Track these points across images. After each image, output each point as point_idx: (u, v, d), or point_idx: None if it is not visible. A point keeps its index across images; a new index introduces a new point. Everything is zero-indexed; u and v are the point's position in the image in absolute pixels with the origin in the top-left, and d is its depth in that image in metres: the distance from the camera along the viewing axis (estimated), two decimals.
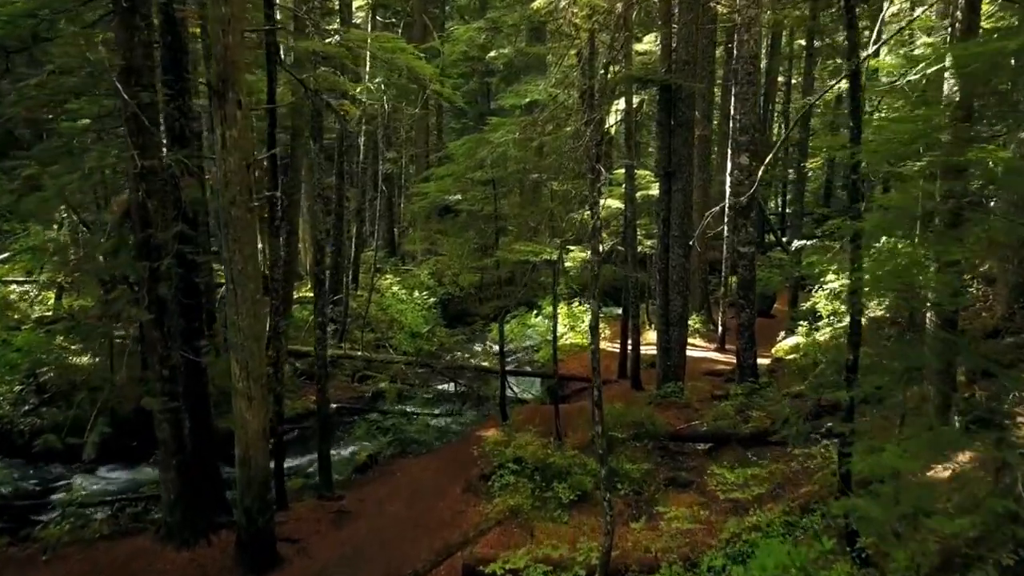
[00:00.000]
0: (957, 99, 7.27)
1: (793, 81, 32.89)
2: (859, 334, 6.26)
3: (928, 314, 7.87)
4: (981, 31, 7.75)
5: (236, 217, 7.57)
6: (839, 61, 26.00)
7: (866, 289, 6.31)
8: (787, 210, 33.25)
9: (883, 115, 10.74)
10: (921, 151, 6.45)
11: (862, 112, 5.69)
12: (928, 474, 7.62)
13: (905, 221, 6.13)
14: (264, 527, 8.32)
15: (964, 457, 7.63)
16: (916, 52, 14.90)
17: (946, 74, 7.42)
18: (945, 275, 6.22)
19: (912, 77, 7.32)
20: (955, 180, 6.14)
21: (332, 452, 11.54)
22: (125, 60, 7.39)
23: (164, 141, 8.58)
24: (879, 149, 5.36)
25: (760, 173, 9.65)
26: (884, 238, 10.77)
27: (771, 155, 12.05)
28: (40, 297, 16.73)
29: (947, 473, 7.60)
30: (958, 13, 7.60)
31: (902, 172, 8.43)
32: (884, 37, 11.57)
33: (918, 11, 12.76)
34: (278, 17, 14.17)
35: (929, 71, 8.19)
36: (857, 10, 7.59)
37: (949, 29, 8.21)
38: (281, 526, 9.02)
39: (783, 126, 34.09)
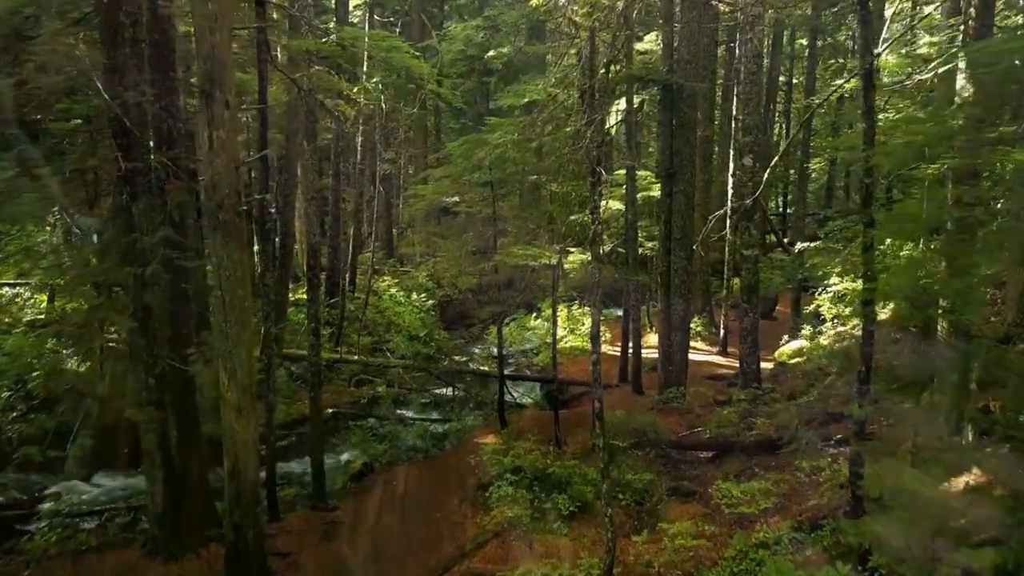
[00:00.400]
0: (971, 99, 7.02)
1: (794, 81, 32.63)
2: (872, 345, 6.00)
3: (940, 321, 7.62)
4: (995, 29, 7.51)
5: (224, 221, 7.30)
6: (841, 61, 25.74)
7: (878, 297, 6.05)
8: (788, 211, 32.98)
9: (890, 116, 10.48)
10: (927, 153, 6.21)
11: (874, 112, 5.43)
12: (942, 486, 7.38)
13: (923, 229, 5.87)
14: (254, 541, 8.05)
15: (978, 469, 7.38)
16: (920, 51, 14.65)
17: (960, 74, 7.19)
18: (960, 283, 5.98)
19: (924, 76, 7.08)
20: (970, 184, 5.89)
21: (327, 459, 11.28)
22: (109, 58, 7.13)
23: (152, 142, 8.31)
24: (895, 152, 5.11)
25: (766, 175, 9.39)
26: (888, 240, 10.55)
27: (777, 157, 11.80)
28: (32, 300, 16.47)
29: (961, 486, 7.35)
30: (971, 11, 7.35)
31: (913, 175, 8.19)
32: (892, 35, 11.32)
33: (929, 8, 12.51)
34: (274, 17, 13.94)
35: (940, 70, 7.95)
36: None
37: (962, 27, 7.96)
38: (272, 539, 8.76)
39: (784, 126, 33.84)
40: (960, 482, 7.20)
